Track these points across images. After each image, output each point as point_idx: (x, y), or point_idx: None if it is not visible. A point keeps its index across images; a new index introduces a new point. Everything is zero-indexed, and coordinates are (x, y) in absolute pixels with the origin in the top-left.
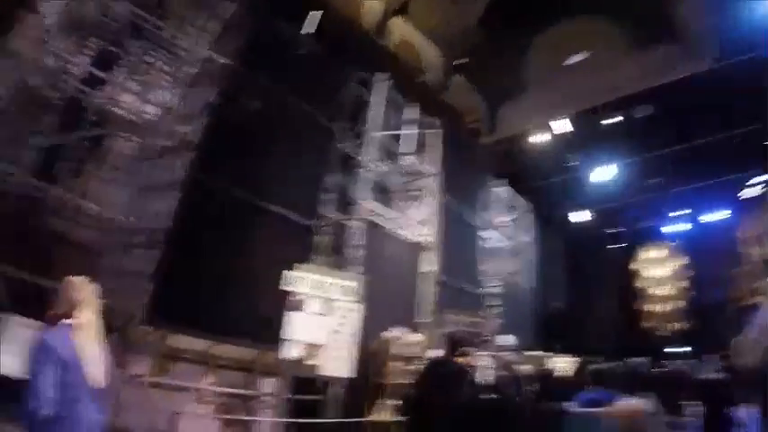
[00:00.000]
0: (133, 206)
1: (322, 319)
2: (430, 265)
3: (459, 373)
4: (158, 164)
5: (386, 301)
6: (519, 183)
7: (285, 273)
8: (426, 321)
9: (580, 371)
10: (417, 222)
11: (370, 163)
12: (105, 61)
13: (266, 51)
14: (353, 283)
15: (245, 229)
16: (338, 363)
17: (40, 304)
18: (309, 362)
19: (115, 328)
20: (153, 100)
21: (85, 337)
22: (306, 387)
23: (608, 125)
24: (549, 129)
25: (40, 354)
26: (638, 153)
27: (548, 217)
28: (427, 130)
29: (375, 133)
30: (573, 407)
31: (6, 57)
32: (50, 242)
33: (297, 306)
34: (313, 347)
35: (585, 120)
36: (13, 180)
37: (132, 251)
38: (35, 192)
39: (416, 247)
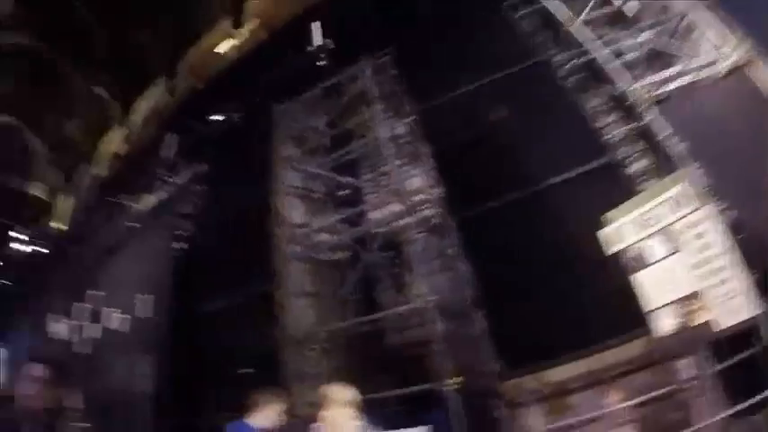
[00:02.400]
0: (444, 284)
1: (675, 258)
2: None
3: None
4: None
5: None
6: None
7: (599, 234)
8: None
9: None
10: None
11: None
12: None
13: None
14: (680, 187)
15: (546, 224)
16: (733, 301)
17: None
18: (697, 321)
19: (493, 394)
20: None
21: None
22: (729, 347)
23: None
24: None
25: None
26: None
27: None
28: None
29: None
30: None
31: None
32: (406, 355)
33: (637, 264)
34: (688, 301)
35: None
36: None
37: (465, 318)
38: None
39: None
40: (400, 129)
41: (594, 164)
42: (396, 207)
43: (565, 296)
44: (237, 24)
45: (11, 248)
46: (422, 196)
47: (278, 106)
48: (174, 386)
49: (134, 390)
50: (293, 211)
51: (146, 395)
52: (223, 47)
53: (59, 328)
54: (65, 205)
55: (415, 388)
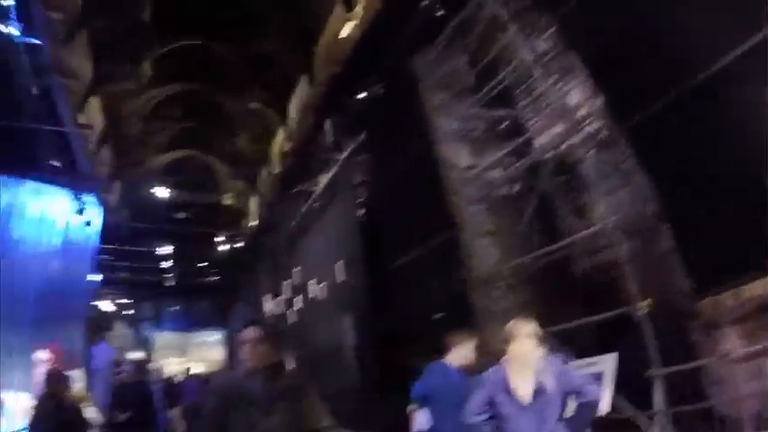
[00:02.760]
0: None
1: None
2: None
3: None
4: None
5: None
6: None
7: None
8: None
9: None
10: None
11: None
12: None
13: None
14: None
15: (724, 116)
16: None
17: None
18: None
19: (687, 315)
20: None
21: (516, 368)
22: None
23: None
24: None
25: (480, 382)
26: None
27: None
28: None
29: None
30: None
31: None
32: (593, 281)
33: None
34: None
35: None
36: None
37: (650, 235)
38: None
39: None
40: (543, 45)
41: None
42: (559, 128)
43: (758, 196)
44: (350, 8)
45: (218, 251)
46: (583, 111)
47: (415, 59)
48: (377, 338)
49: (342, 345)
50: (459, 155)
51: (352, 348)
52: (345, 31)
53: (271, 305)
54: (254, 205)
55: (603, 315)
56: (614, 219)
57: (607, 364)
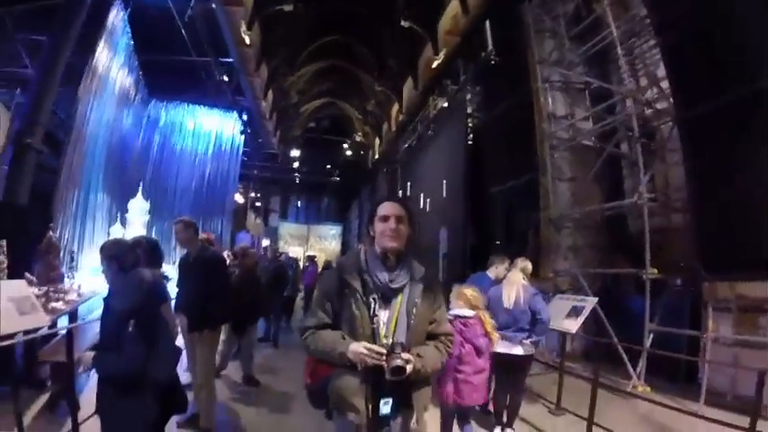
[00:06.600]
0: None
1: None
2: None
3: None
4: None
5: None
6: None
7: None
8: None
9: None
10: None
11: None
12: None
13: None
14: None
15: None
16: None
17: None
18: None
19: (691, 292)
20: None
21: (508, 286)
22: None
23: None
24: None
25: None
26: None
27: None
28: None
29: None
30: None
31: None
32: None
33: None
34: None
35: None
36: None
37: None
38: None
39: None
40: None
41: None
42: (648, 93)
43: None
44: (437, 51)
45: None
46: (666, 83)
47: (522, 7)
48: (464, 248)
49: (438, 251)
50: (555, 104)
51: (443, 255)
52: (435, 61)
53: None
54: (376, 143)
55: (617, 270)
56: (651, 195)
57: (589, 303)
